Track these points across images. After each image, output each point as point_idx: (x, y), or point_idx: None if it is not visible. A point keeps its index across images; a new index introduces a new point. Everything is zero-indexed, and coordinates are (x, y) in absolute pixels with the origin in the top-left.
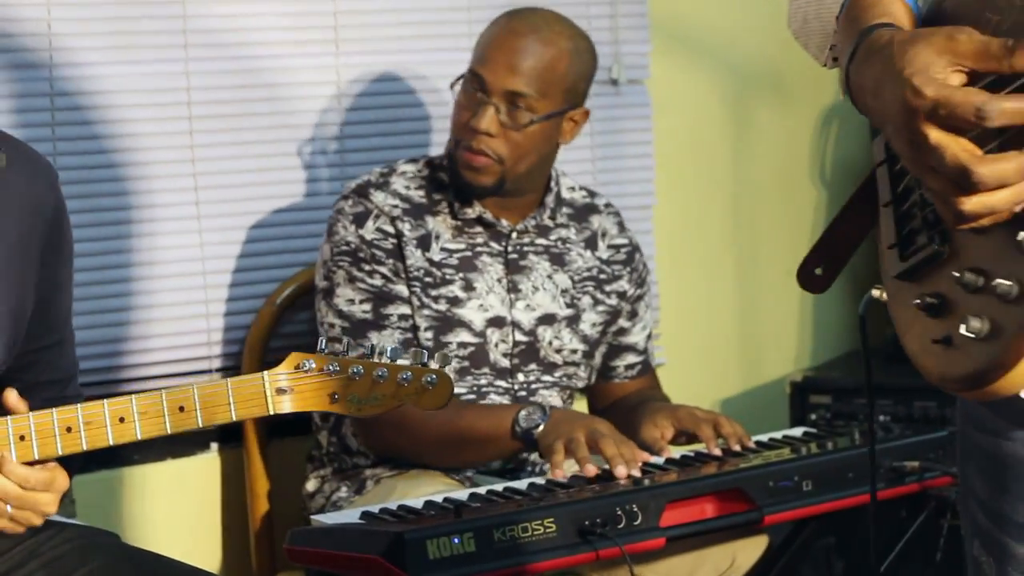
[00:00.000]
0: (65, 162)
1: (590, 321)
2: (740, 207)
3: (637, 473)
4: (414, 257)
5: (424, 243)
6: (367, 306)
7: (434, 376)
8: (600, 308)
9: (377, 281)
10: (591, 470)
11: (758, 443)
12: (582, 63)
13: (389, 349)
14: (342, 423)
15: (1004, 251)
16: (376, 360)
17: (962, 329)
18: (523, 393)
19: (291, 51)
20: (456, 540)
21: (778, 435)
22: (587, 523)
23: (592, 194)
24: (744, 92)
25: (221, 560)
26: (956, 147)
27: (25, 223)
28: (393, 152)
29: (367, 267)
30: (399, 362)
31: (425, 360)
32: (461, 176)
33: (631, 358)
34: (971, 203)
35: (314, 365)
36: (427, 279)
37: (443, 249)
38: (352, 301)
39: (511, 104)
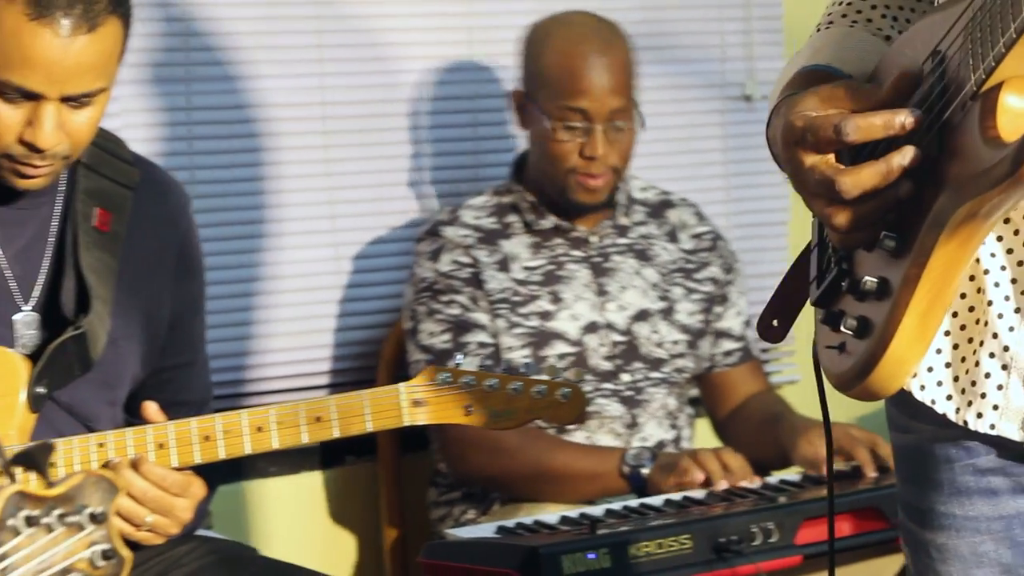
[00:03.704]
0: (202, 175)
1: (686, 311)
2: None
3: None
4: (495, 280)
5: (504, 265)
6: (447, 336)
7: (568, 390)
8: (695, 296)
9: (455, 310)
10: (699, 477)
11: None
12: (634, 56)
13: (525, 363)
14: None
15: (877, 257)
16: (512, 374)
17: (843, 329)
18: (630, 393)
19: (426, 63)
20: (591, 556)
21: None
22: (722, 540)
23: (665, 192)
24: None
25: (354, 573)
26: (823, 165)
27: (157, 242)
28: None
29: (444, 298)
30: (533, 376)
31: (559, 374)
32: (575, 200)
33: (728, 344)
34: (841, 215)
35: (450, 378)
36: (514, 299)
37: (524, 268)
38: (433, 333)
39: (613, 119)
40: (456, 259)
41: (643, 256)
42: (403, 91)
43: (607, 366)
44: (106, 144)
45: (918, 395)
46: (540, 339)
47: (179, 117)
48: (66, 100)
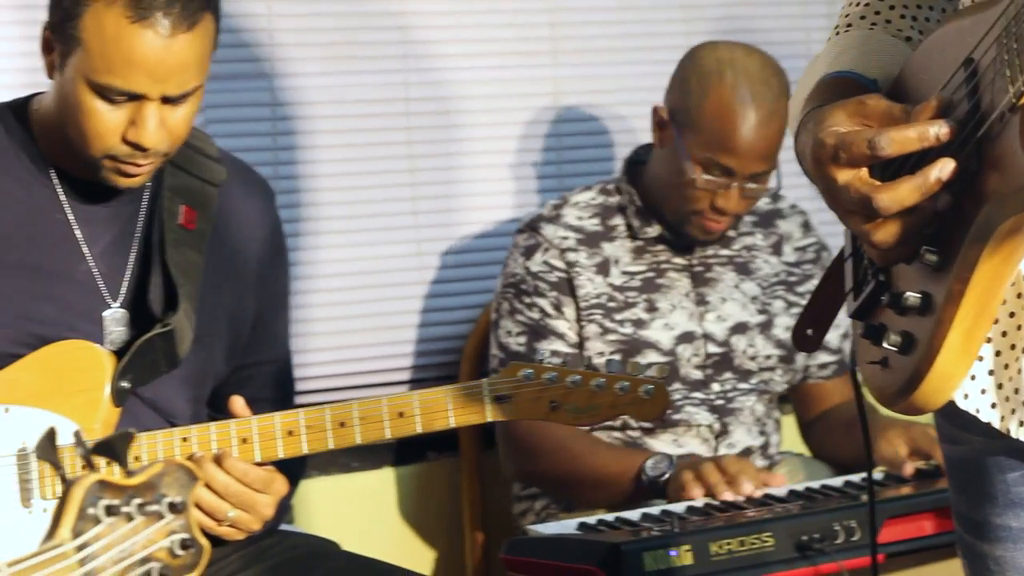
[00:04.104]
0: (285, 171)
1: (784, 325)
2: None
3: (752, 493)
4: (591, 285)
5: (603, 269)
6: (522, 339)
7: (651, 387)
8: (794, 311)
9: (535, 314)
10: (727, 495)
11: None
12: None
13: (607, 360)
14: None
15: (918, 270)
16: (594, 371)
17: (885, 345)
18: (720, 402)
19: (508, 61)
20: (673, 553)
21: None
22: (805, 538)
23: (776, 198)
24: None
25: (436, 569)
26: (858, 182)
27: (242, 239)
28: (609, 164)
29: (527, 299)
30: (617, 372)
31: (642, 371)
32: (690, 235)
33: (823, 356)
34: (879, 232)
35: (532, 374)
36: (610, 304)
37: (624, 273)
38: (510, 333)
39: (753, 180)
40: (548, 260)
41: (744, 269)
42: (486, 88)
43: (698, 375)
44: (193, 141)
45: (962, 404)
46: (632, 347)
47: (264, 113)
48: (166, 99)
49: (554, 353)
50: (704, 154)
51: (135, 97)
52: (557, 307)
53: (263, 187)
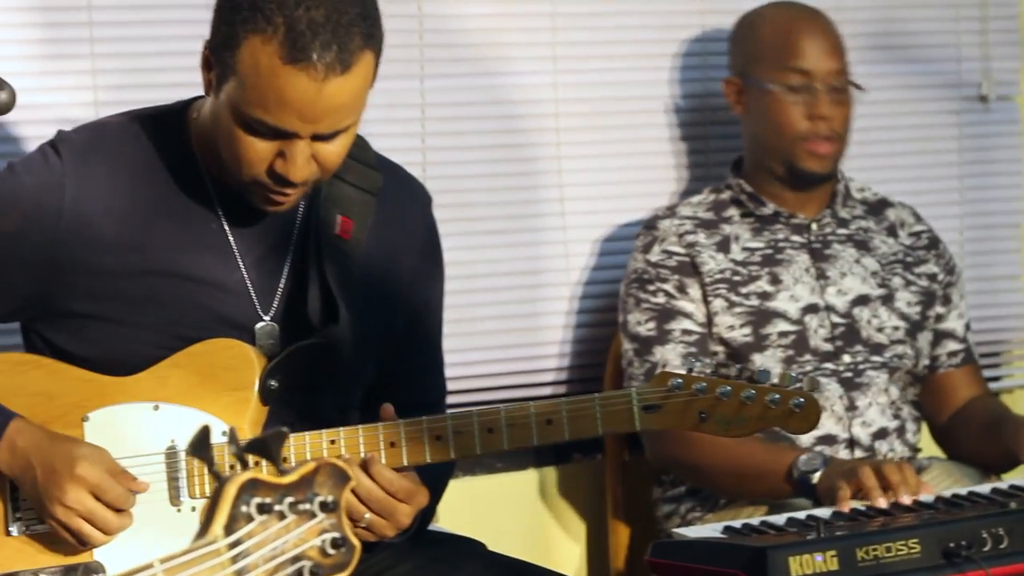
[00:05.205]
0: (433, 171)
1: (905, 300)
2: None
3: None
4: (713, 262)
5: (723, 246)
6: (651, 324)
7: (802, 400)
8: (913, 288)
9: (660, 299)
10: (882, 502)
11: None
12: None
13: (758, 370)
14: None
15: None
16: (744, 382)
17: None
18: (849, 374)
19: (656, 63)
20: (819, 558)
21: None
22: (952, 545)
23: (881, 195)
24: None
25: (580, 570)
26: None
27: (398, 247)
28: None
29: (651, 287)
30: (767, 383)
31: (793, 383)
32: (805, 169)
33: (952, 345)
34: None
35: (682, 384)
36: (734, 278)
37: (744, 249)
38: (639, 322)
39: (834, 82)
40: (667, 248)
41: (863, 246)
42: (635, 89)
43: (827, 347)
44: (352, 149)
45: None
46: (760, 318)
47: (413, 113)
48: (317, 136)
49: (684, 332)
50: (777, 70)
51: (284, 134)
52: (681, 289)
53: (420, 193)
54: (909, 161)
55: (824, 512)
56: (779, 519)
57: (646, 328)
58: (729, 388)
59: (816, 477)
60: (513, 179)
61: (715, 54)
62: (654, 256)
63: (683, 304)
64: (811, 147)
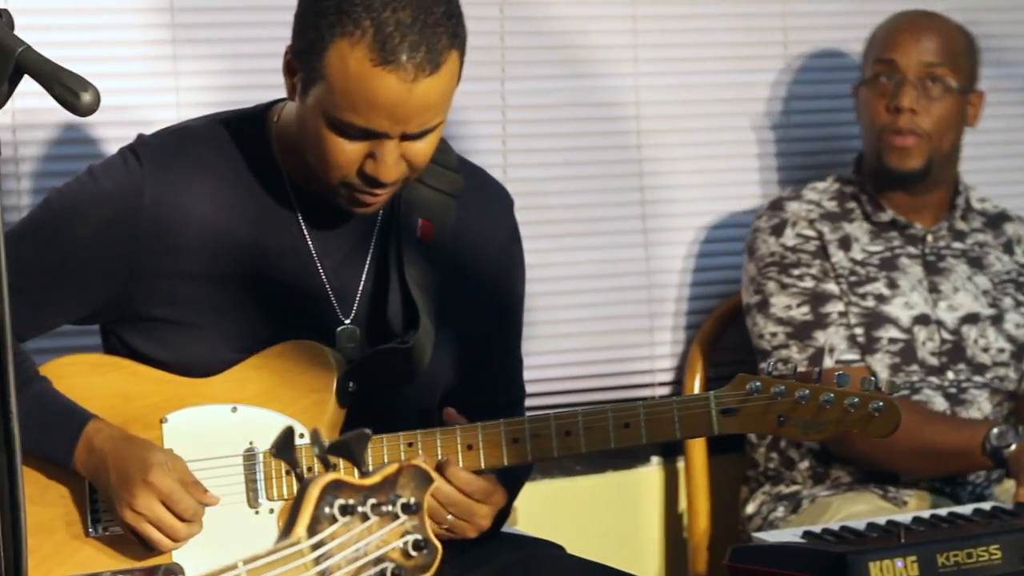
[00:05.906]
0: (514, 174)
1: (1014, 322)
2: None
3: None
4: (838, 256)
5: (845, 244)
6: (805, 308)
7: (881, 403)
8: (1023, 310)
9: (808, 283)
10: None
11: None
12: (974, 44)
13: (837, 374)
14: (780, 439)
15: None
16: (822, 385)
17: None
18: (953, 390)
19: (739, 66)
20: (899, 564)
21: None
22: None
23: (1001, 207)
24: None
25: (658, 574)
26: None
27: (479, 249)
28: (830, 169)
29: (796, 271)
30: (847, 387)
31: (872, 386)
32: (888, 165)
33: None
34: None
35: (760, 387)
36: (852, 277)
37: (863, 250)
38: (789, 307)
39: (926, 79)
40: (801, 232)
41: (977, 263)
42: (717, 92)
43: (933, 361)
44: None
45: None
46: (873, 320)
47: (494, 115)
48: (406, 136)
49: (840, 314)
50: (872, 64)
51: (375, 135)
52: (824, 272)
53: (502, 195)
54: (996, 164)
55: (905, 518)
56: (859, 524)
57: (800, 312)
58: (808, 391)
59: (1010, 451)
60: (594, 181)
61: (796, 57)
62: (789, 240)
63: (830, 287)
64: (890, 139)
